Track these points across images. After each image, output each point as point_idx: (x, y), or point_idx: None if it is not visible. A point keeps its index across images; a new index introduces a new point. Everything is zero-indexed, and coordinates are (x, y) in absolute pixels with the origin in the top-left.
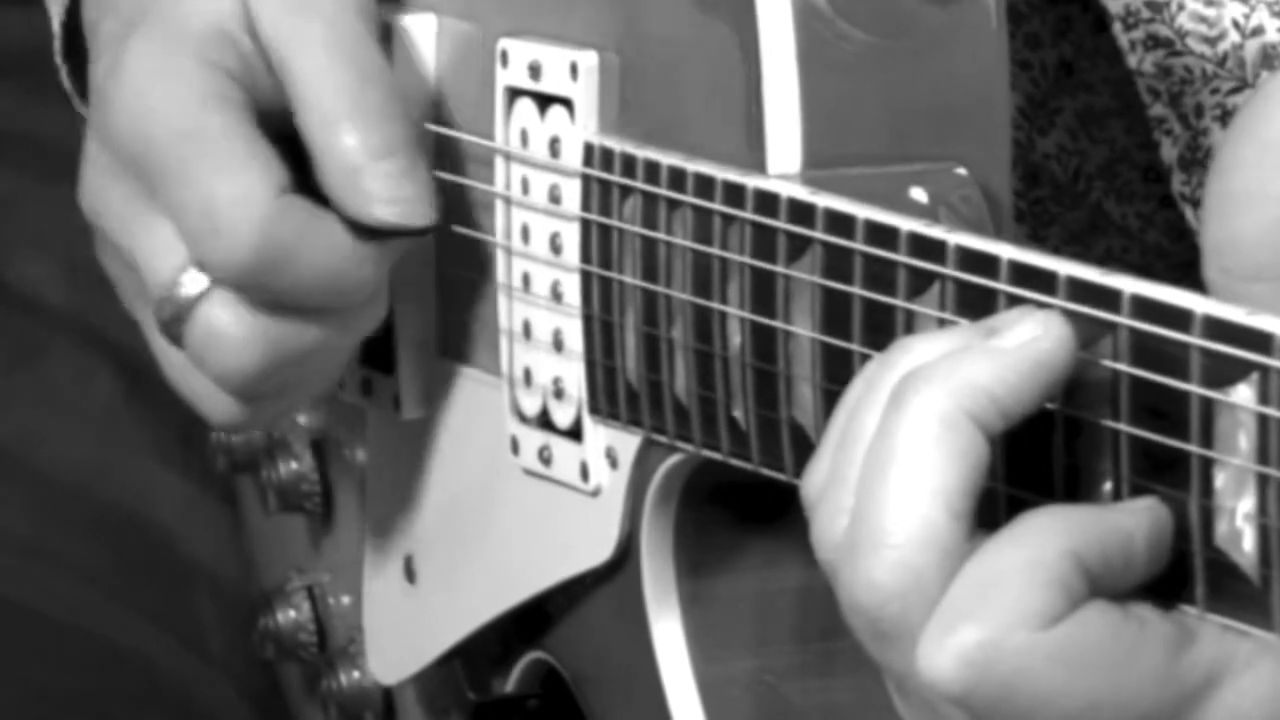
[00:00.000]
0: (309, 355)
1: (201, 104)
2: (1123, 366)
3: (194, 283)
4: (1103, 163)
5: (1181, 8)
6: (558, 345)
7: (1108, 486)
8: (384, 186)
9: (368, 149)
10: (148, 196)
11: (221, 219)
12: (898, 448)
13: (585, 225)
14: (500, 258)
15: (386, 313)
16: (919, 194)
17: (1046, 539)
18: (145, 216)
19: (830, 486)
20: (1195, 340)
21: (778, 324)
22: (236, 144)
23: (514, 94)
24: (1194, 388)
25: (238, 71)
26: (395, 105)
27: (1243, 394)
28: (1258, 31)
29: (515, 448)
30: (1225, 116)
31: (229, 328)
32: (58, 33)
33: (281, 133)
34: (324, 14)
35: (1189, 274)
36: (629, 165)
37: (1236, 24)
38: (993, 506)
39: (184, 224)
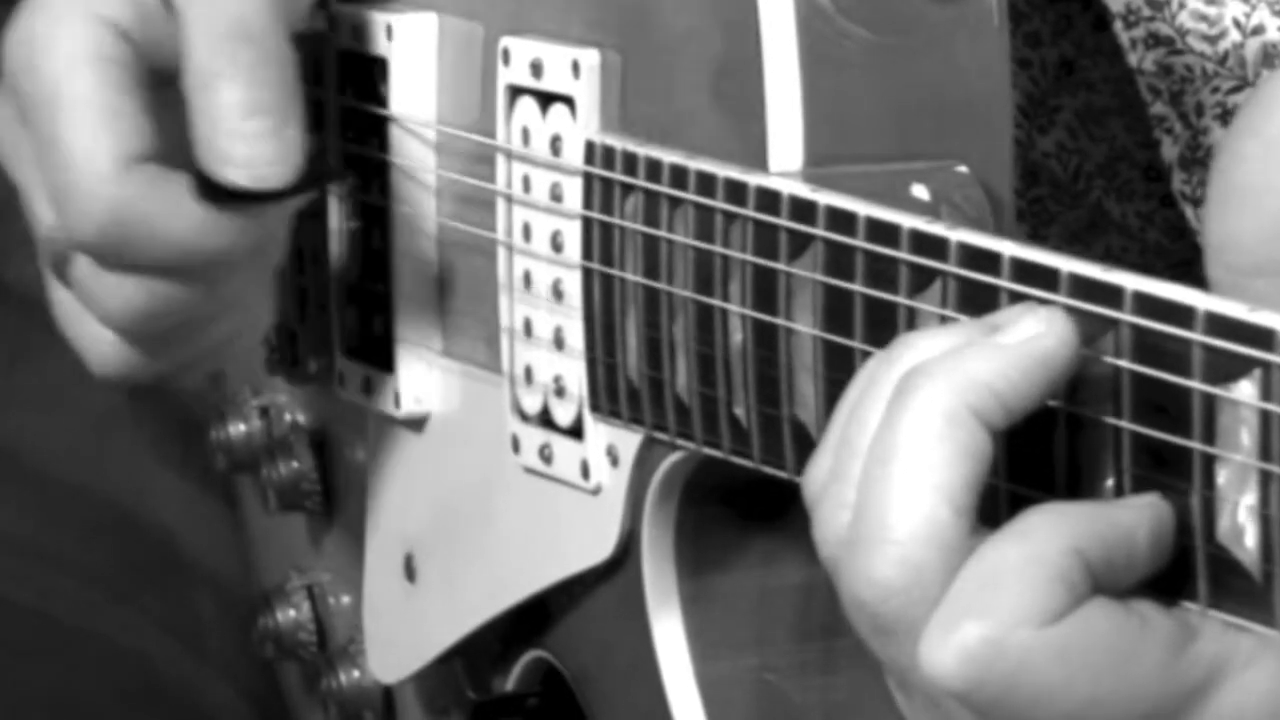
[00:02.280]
0: (187, 311)
1: (74, 62)
2: (1125, 363)
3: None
4: (1103, 161)
5: (1182, 6)
6: (559, 343)
7: (1110, 483)
8: (239, 147)
9: (231, 106)
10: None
11: (70, 187)
12: (900, 443)
13: (587, 223)
14: (501, 255)
15: (277, 266)
16: (920, 191)
17: (1049, 535)
18: (29, 166)
19: (832, 483)
20: (1197, 337)
21: (779, 321)
22: (97, 108)
23: (515, 92)
24: (1196, 384)
25: (133, 28)
26: (269, 68)
27: (1245, 390)
28: (1258, 30)
29: (516, 446)
30: (1226, 115)
31: (97, 279)
32: None
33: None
34: None
35: (1189, 273)
36: (630, 163)
37: (1237, 23)
38: (994, 503)
39: (45, 181)
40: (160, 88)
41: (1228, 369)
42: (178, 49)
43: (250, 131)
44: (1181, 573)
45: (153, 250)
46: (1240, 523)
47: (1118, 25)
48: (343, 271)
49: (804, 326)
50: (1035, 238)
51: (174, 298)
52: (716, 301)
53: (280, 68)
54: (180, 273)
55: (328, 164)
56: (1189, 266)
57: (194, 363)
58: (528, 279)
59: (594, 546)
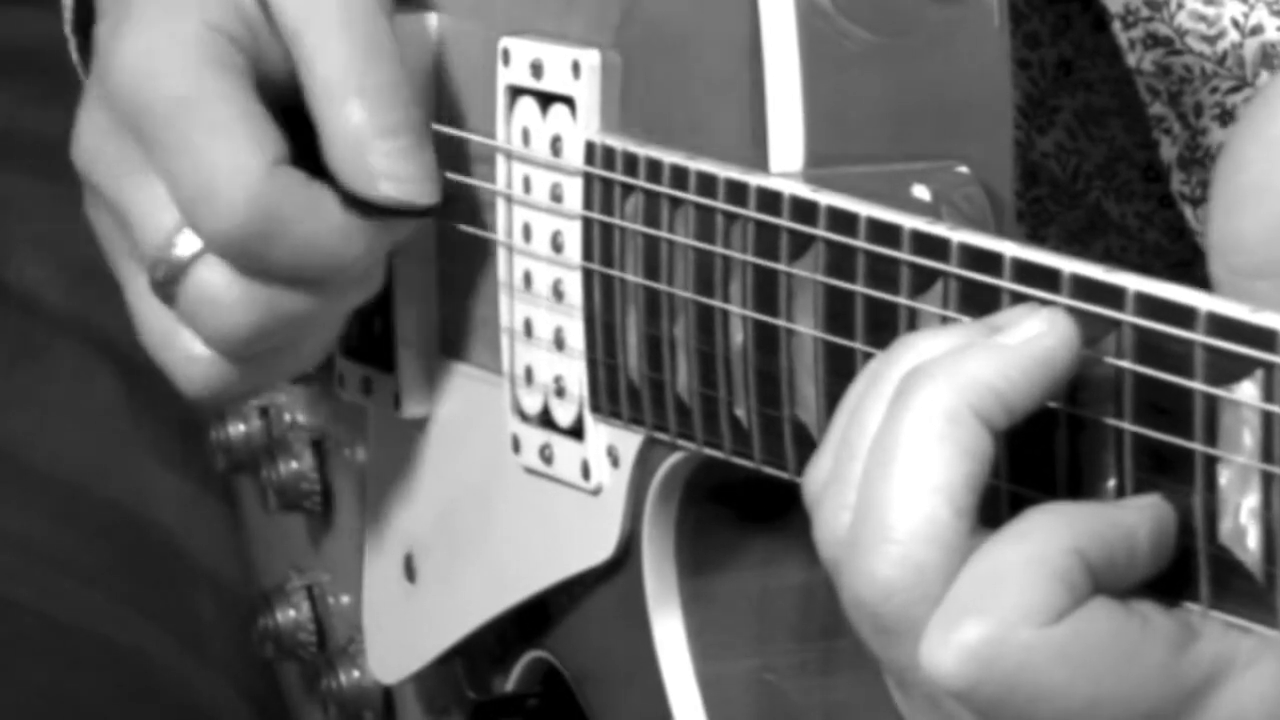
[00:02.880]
0: (299, 324)
1: (201, 68)
2: (1126, 364)
3: (189, 243)
4: (1102, 162)
5: (1181, 6)
6: (559, 344)
7: (1111, 484)
8: (389, 163)
9: (374, 126)
10: (144, 156)
11: (214, 186)
12: (901, 443)
13: (587, 223)
14: (502, 256)
15: (378, 291)
16: (921, 192)
17: (1051, 535)
18: (140, 175)
19: (833, 483)
20: (1199, 337)
21: (780, 322)
22: (234, 111)
23: (516, 92)
24: (1198, 385)
25: (241, 38)
26: (404, 85)
27: (1247, 391)
28: (1257, 30)
29: (516, 446)
30: (1225, 115)
31: (224, 288)
32: (69, 3)
33: (283, 104)
34: None
35: (1188, 273)
36: (631, 164)
37: (1236, 23)
38: (995, 504)
39: (177, 189)
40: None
41: (1230, 370)
42: (278, 61)
43: (394, 149)
44: (1183, 573)
45: (295, 252)
46: (1242, 524)
47: (1116, 26)
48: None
49: (805, 327)
50: (1034, 238)
51: (296, 309)
52: (717, 302)
53: (410, 88)
54: (311, 282)
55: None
56: (1188, 267)
57: (283, 378)
58: (528, 279)
59: (594, 547)
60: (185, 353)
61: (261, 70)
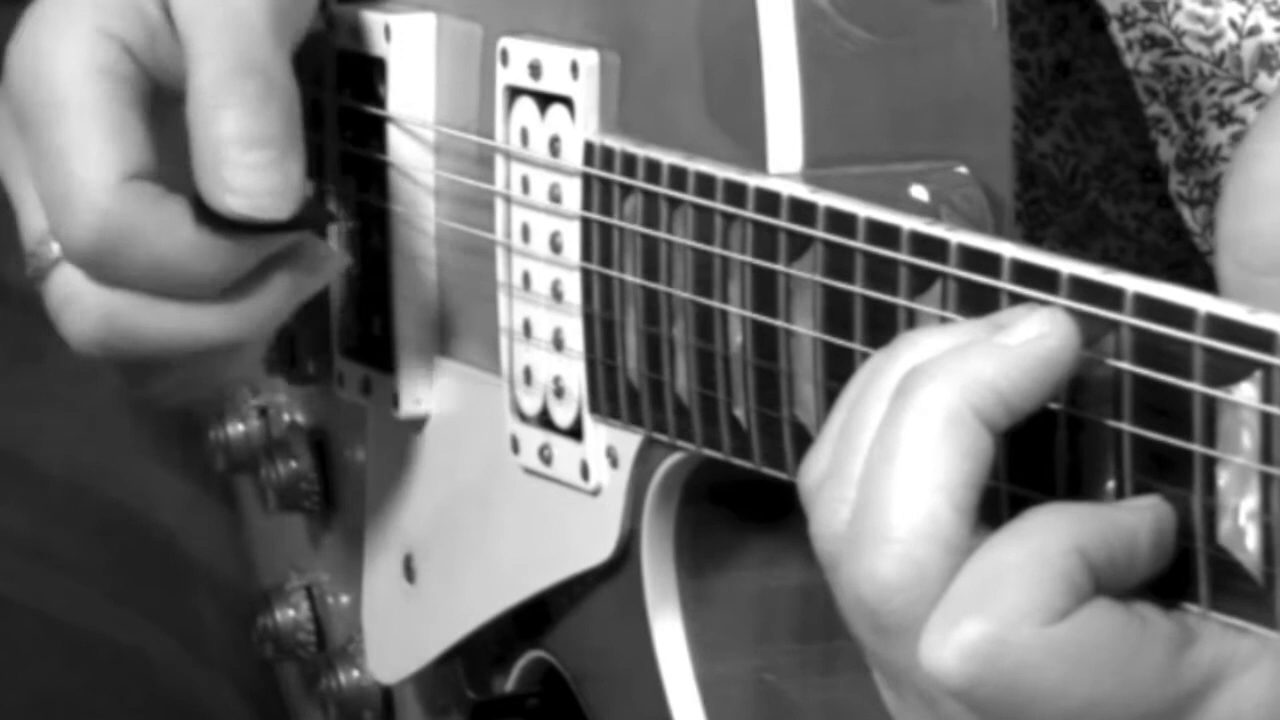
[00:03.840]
0: (155, 338)
1: (80, 75)
2: (1125, 365)
3: (55, 245)
4: (1100, 163)
5: (1178, 7)
6: (558, 344)
7: (1111, 485)
8: (243, 177)
9: (234, 137)
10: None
11: (68, 198)
12: (902, 441)
13: (586, 224)
14: (500, 256)
15: (269, 315)
16: (920, 192)
17: (1051, 535)
18: (23, 174)
19: (831, 478)
20: (1198, 339)
21: (779, 323)
22: (100, 121)
23: (514, 93)
24: (1197, 386)
25: (137, 45)
26: (274, 100)
27: (1246, 392)
28: (1254, 31)
29: (515, 447)
30: (1222, 116)
31: (77, 295)
32: None
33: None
34: (229, 1)
35: (1186, 274)
36: (629, 164)
37: (1233, 23)
38: (995, 504)
39: (40, 191)
40: (159, 107)
41: (1229, 371)
42: (180, 70)
43: (252, 162)
44: (1182, 574)
45: (141, 268)
46: (1241, 525)
47: (1114, 26)
48: (342, 272)
49: (804, 328)
50: (1032, 239)
51: (153, 322)
52: (716, 303)
53: (283, 101)
54: (169, 295)
55: (323, 205)
56: (1186, 267)
57: (176, 393)
58: (527, 280)
59: (594, 547)
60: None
61: (162, 78)
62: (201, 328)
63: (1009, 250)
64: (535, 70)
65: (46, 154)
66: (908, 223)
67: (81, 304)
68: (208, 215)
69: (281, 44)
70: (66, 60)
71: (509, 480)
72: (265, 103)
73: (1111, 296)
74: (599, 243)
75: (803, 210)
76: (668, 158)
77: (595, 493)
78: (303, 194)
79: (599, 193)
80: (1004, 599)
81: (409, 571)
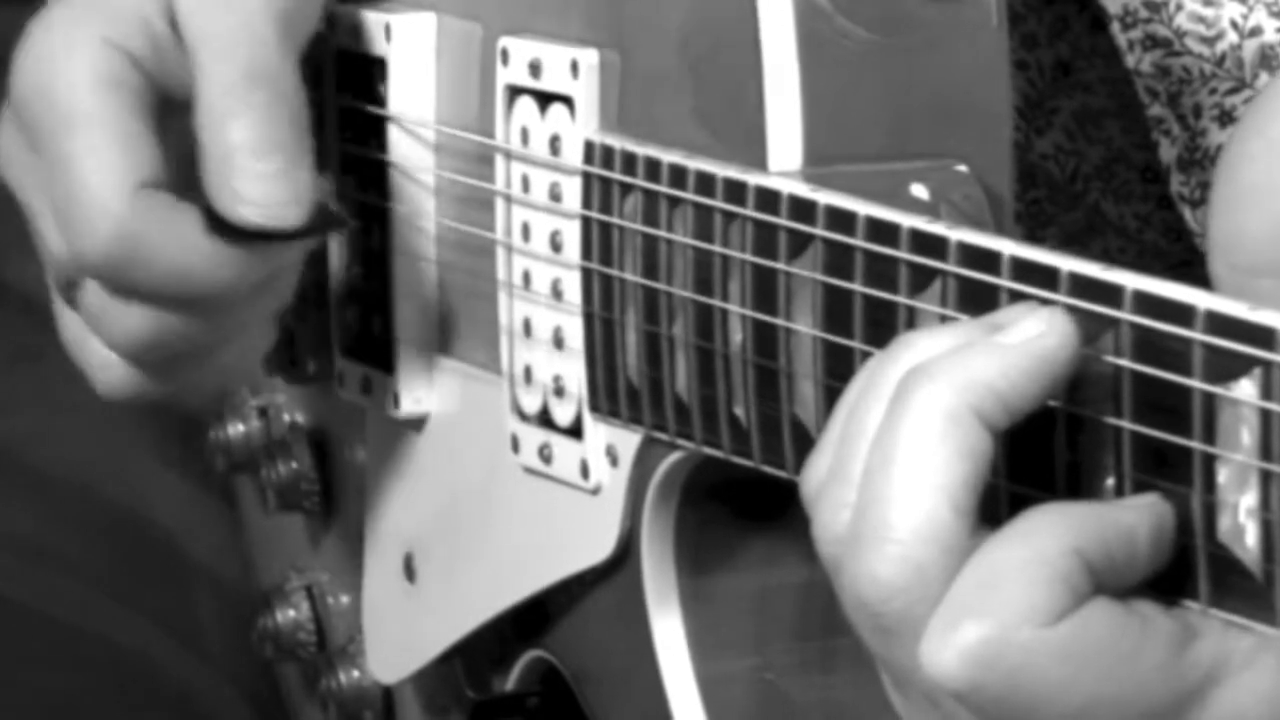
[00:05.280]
0: (178, 344)
1: (88, 86)
2: (1125, 362)
3: None
4: (1100, 163)
5: (1179, 8)
6: (558, 343)
7: (1110, 483)
8: (254, 186)
9: (245, 147)
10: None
11: (80, 209)
12: (901, 443)
13: (586, 223)
14: (501, 255)
15: (284, 305)
16: (920, 191)
17: (1050, 535)
18: (38, 190)
19: (832, 481)
20: (1198, 336)
21: (779, 321)
22: (109, 131)
23: (514, 92)
24: (1196, 383)
25: (142, 56)
26: (283, 109)
27: (1245, 389)
28: (1256, 31)
29: (515, 446)
30: (1223, 117)
31: (105, 305)
32: None
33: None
34: (237, 10)
35: (1187, 274)
36: (629, 163)
37: (1234, 24)
38: (995, 503)
39: (53, 203)
40: (166, 116)
41: (1228, 368)
42: (186, 80)
43: (263, 171)
44: (1182, 572)
45: (157, 278)
46: (1241, 522)
47: (1115, 27)
48: (342, 271)
49: (804, 326)
50: (1032, 240)
51: (175, 328)
52: (716, 301)
53: (293, 108)
54: (183, 303)
55: (336, 210)
56: (1187, 268)
57: (197, 387)
58: (527, 279)
59: (594, 546)
60: (96, 357)
61: (168, 87)
62: (239, 331)
63: (1008, 248)
64: (535, 69)
65: (57, 165)
66: (907, 221)
67: (117, 310)
68: (220, 225)
69: (289, 51)
70: (74, 72)
71: (509, 479)
72: (275, 111)
73: (1111, 294)
74: (599, 241)
75: (802, 208)
76: (668, 156)
77: (595, 492)
78: (315, 200)
79: (599, 191)
80: (1003, 600)
81: (409, 571)
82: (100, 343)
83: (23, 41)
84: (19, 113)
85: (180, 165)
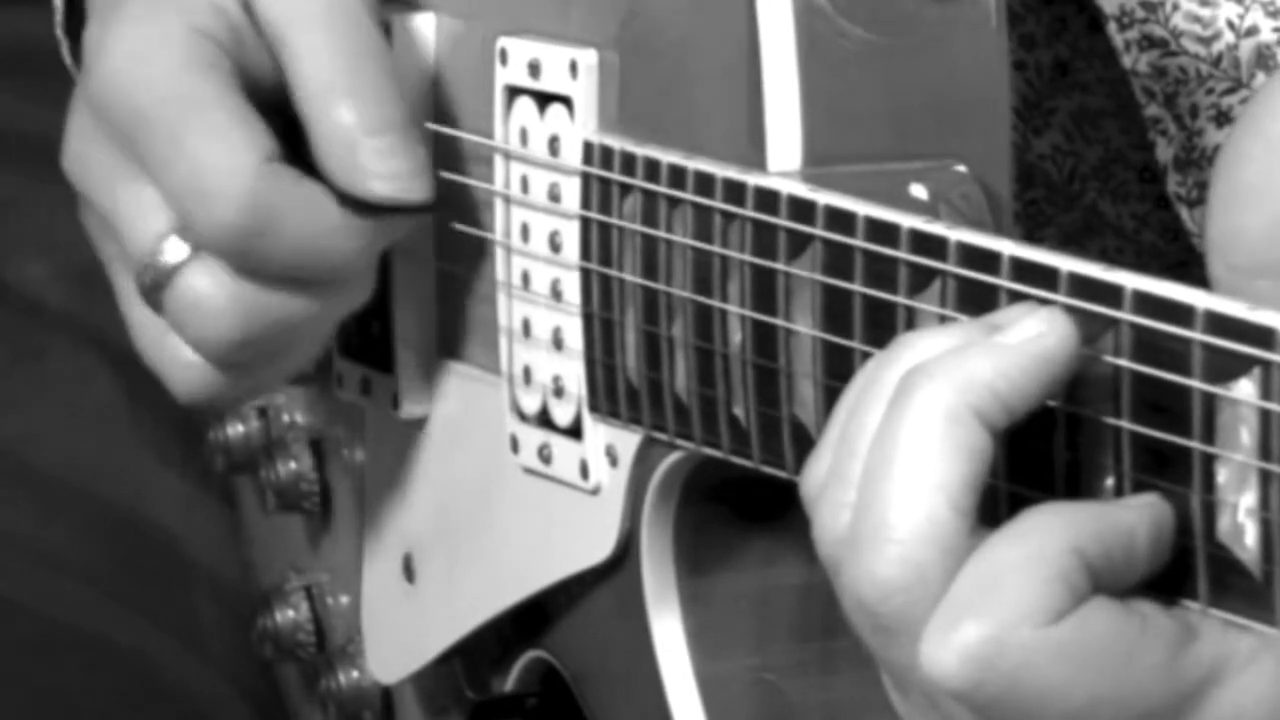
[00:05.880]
0: (290, 326)
1: (189, 69)
2: (1125, 362)
3: (176, 250)
4: (1098, 163)
5: (1176, 8)
6: (557, 343)
7: (1109, 483)
8: (380, 161)
9: (364, 124)
10: (132, 161)
11: (209, 183)
12: (901, 443)
13: (585, 223)
14: (500, 256)
15: (371, 294)
16: (919, 191)
17: (1050, 535)
18: (129, 181)
19: (832, 481)
20: (1197, 335)
21: (778, 321)
22: (224, 110)
23: (513, 92)
24: (1196, 383)
25: (226, 42)
26: (391, 83)
27: (1245, 389)
28: (1252, 31)
29: (515, 446)
30: (1220, 117)
31: (209, 296)
32: (59, 4)
33: (270, 107)
34: None
35: (1184, 274)
36: (629, 163)
37: (1231, 24)
38: (994, 503)
39: (170, 188)
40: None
41: (1228, 368)
42: (266, 64)
43: (386, 147)
44: (1182, 572)
45: (293, 250)
46: (1240, 522)
47: (1112, 27)
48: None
49: (803, 326)
50: (1031, 240)
51: (288, 312)
52: (715, 302)
53: (397, 85)
54: (306, 282)
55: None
56: (1184, 268)
57: (276, 383)
58: (526, 279)
59: (593, 546)
60: (177, 359)
61: (246, 73)
62: (343, 307)
63: (1008, 248)
64: (534, 69)
65: (172, 149)
66: (907, 221)
67: (219, 302)
68: (347, 199)
69: (377, 25)
70: (171, 59)
71: (508, 480)
72: (382, 87)
73: (1111, 294)
74: (598, 242)
75: (802, 209)
76: (667, 157)
77: (595, 492)
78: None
79: (598, 192)
80: (1002, 601)
81: (408, 571)
82: (182, 343)
83: (94, 46)
84: (107, 112)
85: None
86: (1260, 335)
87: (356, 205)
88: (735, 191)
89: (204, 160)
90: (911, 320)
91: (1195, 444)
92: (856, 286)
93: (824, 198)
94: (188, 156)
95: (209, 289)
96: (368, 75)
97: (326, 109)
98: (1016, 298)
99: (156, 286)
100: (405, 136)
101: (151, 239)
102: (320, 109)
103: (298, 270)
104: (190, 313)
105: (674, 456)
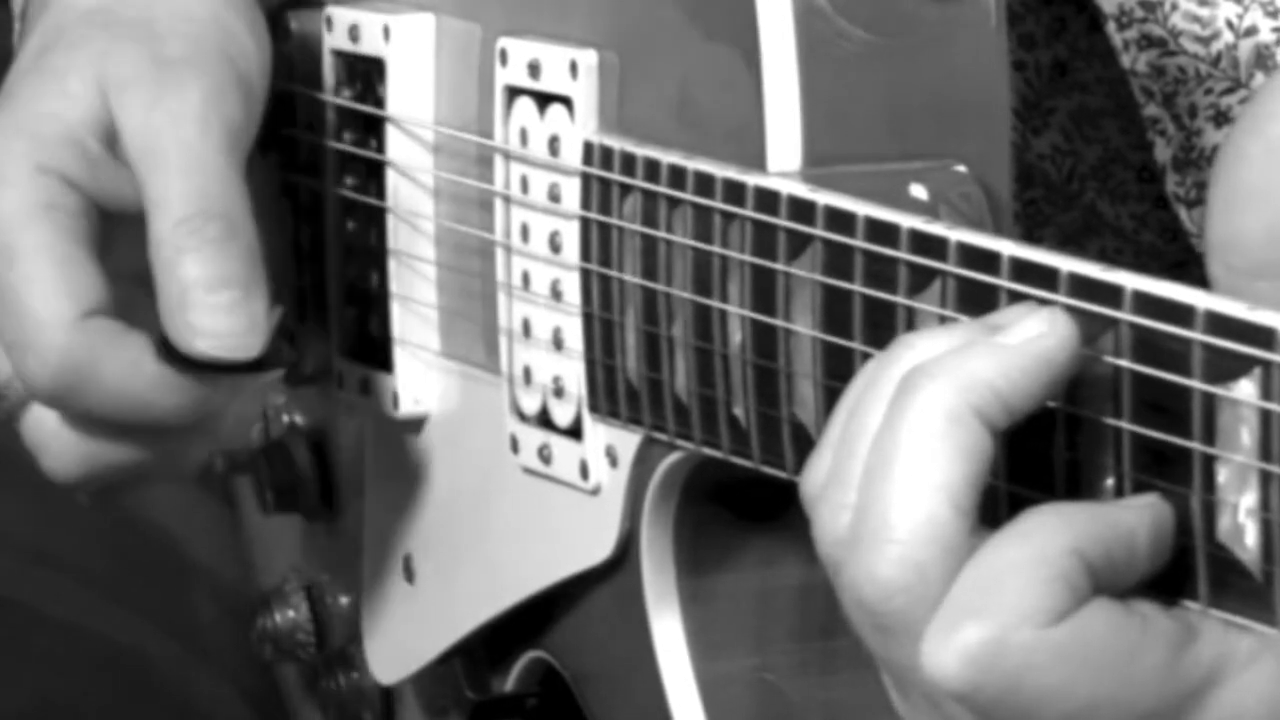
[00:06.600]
0: (130, 469)
1: (25, 216)
2: (1125, 362)
3: (18, 389)
4: (1096, 163)
5: (1175, 8)
6: (557, 344)
7: (1110, 483)
8: (210, 318)
9: (202, 281)
10: None
11: (26, 338)
12: (902, 443)
13: (585, 224)
14: (500, 256)
15: (245, 437)
16: (919, 191)
17: (1050, 536)
18: None
19: (832, 482)
20: (1197, 336)
21: (778, 322)
22: (50, 260)
23: (513, 93)
24: (1196, 383)
25: (77, 177)
26: (237, 239)
27: (1245, 389)
28: (1251, 31)
29: (515, 446)
30: (1219, 117)
31: (50, 437)
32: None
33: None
34: (185, 127)
35: (1183, 274)
36: (629, 164)
37: (1230, 24)
38: (994, 504)
39: (0, 334)
40: (109, 228)
41: (1228, 368)
42: (129, 192)
43: (218, 304)
44: (1182, 572)
45: (108, 403)
46: (1240, 522)
47: (1110, 26)
48: (340, 272)
49: (803, 327)
50: (1030, 240)
51: (122, 458)
52: (715, 302)
53: (245, 239)
54: (133, 431)
55: (289, 344)
56: (1183, 268)
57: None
58: (526, 279)
59: (593, 546)
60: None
61: (110, 203)
62: (187, 453)
63: (1008, 248)
64: (534, 70)
65: (1, 297)
66: (907, 221)
67: (55, 446)
68: (173, 355)
69: (238, 175)
70: (8, 202)
71: (508, 480)
72: (228, 244)
73: (1111, 294)
74: (598, 242)
75: (802, 209)
76: (667, 157)
77: (594, 492)
78: (269, 332)
79: (598, 192)
80: (1003, 602)
81: (408, 572)
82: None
83: None
84: None
85: (129, 276)
86: (1260, 335)
87: (178, 360)
88: (735, 192)
89: (22, 313)
90: (912, 320)
91: (1195, 444)
92: (856, 287)
93: (824, 198)
94: (9, 307)
95: (45, 434)
96: (211, 231)
97: (167, 263)
98: (1016, 298)
99: (11, 417)
100: (245, 293)
101: (5, 372)
102: (161, 262)
103: (121, 422)
104: (36, 449)
105: (674, 457)
